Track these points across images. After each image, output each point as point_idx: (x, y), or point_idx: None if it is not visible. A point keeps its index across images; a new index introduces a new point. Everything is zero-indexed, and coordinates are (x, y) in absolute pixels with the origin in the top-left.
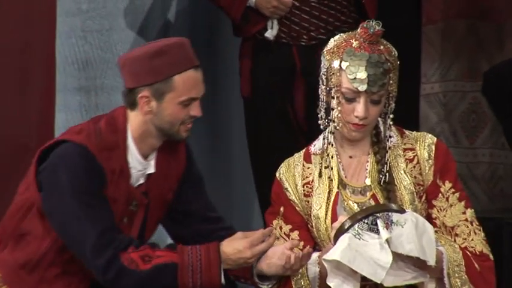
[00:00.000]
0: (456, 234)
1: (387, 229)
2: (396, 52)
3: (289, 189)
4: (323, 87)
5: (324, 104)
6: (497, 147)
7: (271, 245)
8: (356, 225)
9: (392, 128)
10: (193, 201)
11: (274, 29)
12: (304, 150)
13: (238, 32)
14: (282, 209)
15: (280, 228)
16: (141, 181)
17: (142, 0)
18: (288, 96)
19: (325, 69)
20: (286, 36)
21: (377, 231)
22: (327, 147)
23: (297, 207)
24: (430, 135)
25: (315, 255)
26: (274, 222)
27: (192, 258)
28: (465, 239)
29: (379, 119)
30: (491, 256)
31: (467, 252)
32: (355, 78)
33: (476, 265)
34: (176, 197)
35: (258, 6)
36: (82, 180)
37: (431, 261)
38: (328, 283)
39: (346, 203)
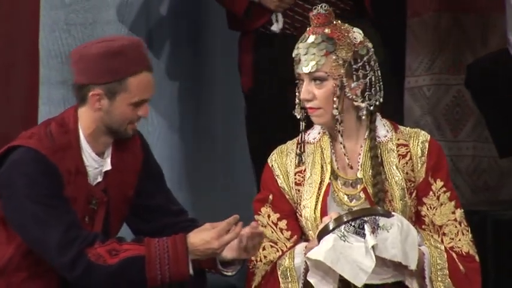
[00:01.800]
0: (444, 234)
1: (373, 234)
2: (357, 39)
3: (281, 176)
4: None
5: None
6: (481, 140)
7: (238, 234)
8: (342, 227)
9: (387, 122)
10: (155, 195)
11: (279, 21)
12: (297, 138)
13: (237, 26)
14: (271, 196)
15: (268, 216)
16: (99, 179)
17: None
18: (292, 87)
19: None
20: (290, 27)
21: (363, 235)
22: (302, 138)
23: (286, 195)
24: (423, 132)
25: (301, 246)
26: (263, 209)
27: (159, 250)
28: (452, 238)
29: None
30: (477, 258)
31: (453, 253)
32: (295, 61)
33: (462, 267)
34: (137, 192)
35: (262, 1)
36: (38, 183)
37: (413, 266)
38: (309, 279)
39: (336, 194)
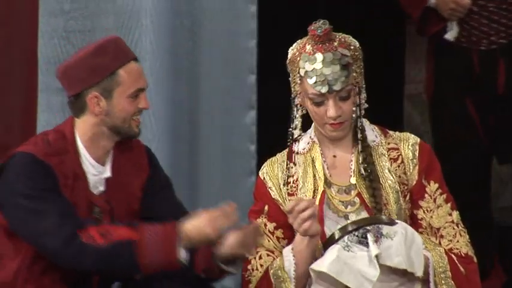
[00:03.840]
0: (442, 236)
1: (377, 242)
2: (356, 43)
3: (273, 188)
4: (292, 97)
5: (293, 113)
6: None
7: (232, 221)
8: (346, 237)
9: (376, 127)
10: (162, 208)
11: (454, 30)
12: (287, 149)
13: (420, 31)
14: (266, 207)
15: (265, 225)
16: (101, 188)
17: (125, 1)
18: (467, 99)
19: (290, 79)
20: (466, 41)
21: (366, 244)
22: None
23: (281, 206)
24: (413, 135)
25: (287, 248)
26: (259, 220)
27: (150, 235)
28: (450, 240)
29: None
30: (475, 258)
31: (452, 255)
32: (315, 82)
33: (462, 268)
34: (144, 206)
35: (437, 7)
36: (31, 179)
37: (419, 273)
38: None
39: (331, 202)
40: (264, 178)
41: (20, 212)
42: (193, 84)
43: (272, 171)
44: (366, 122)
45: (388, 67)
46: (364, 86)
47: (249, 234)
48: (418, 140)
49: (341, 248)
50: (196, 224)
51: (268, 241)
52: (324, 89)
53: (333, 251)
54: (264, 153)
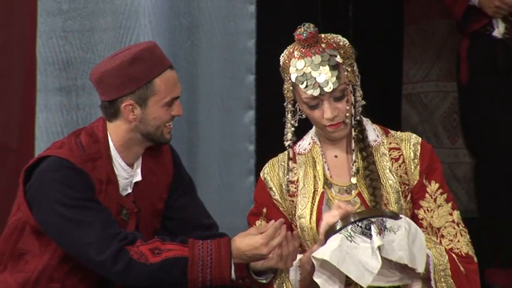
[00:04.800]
0: (442, 236)
1: (380, 235)
2: (345, 41)
3: (274, 188)
4: (285, 104)
5: (286, 120)
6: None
7: (284, 237)
8: (349, 227)
9: (377, 127)
10: (186, 208)
11: (500, 27)
12: (287, 150)
13: (461, 29)
14: (264, 210)
15: None
16: (129, 190)
17: (123, 1)
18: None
19: (283, 86)
20: (510, 33)
21: (369, 236)
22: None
23: (280, 207)
24: (414, 135)
25: (297, 258)
26: (257, 222)
27: (202, 252)
28: (451, 240)
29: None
30: (475, 258)
31: (453, 255)
32: (306, 86)
33: (462, 268)
34: (168, 206)
35: (481, 6)
36: (70, 187)
37: (420, 269)
38: (315, 279)
39: (331, 202)
40: (265, 179)
41: (58, 220)
42: (192, 84)
43: (273, 171)
44: (367, 122)
45: (387, 67)
46: (358, 83)
47: (286, 246)
48: (420, 139)
49: (344, 237)
50: (251, 243)
51: None
52: (316, 92)
53: (336, 240)
54: (263, 153)
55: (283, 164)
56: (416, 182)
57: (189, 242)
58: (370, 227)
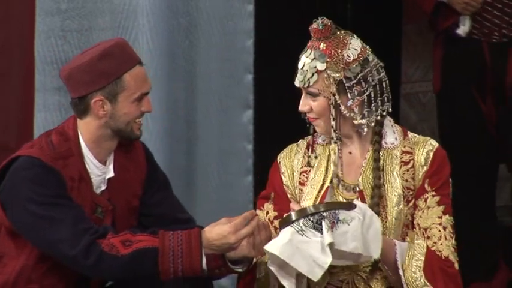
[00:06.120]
0: (428, 237)
1: (332, 229)
2: (349, 56)
3: (286, 174)
4: None
5: None
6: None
7: (254, 227)
8: (301, 221)
9: (398, 129)
10: (162, 204)
11: (466, 25)
12: (309, 137)
13: (432, 25)
14: (272, 194)
15: (267, 213)
16: (103, 187)
17: (122, 0)
18: (479, 92)
19: None
20: (478, 33)
21: (320, 230)
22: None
23: (289, 194)
24: (432, 141)
25: None
26: (266, 205)
27: (173, 243)
28: (435, 242)
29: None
30: (456, 265)
31: (434, 254)
32: (296, 73)
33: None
34: (143, 202)
35: (450, 2)
36: (41, 185)
37: (375, 256)
38: (269, 267)
39: (336, 198)
40: (279, 162)
41: (30, 218)
42: (190, 84)
43: (289, 157)
44: (389, 123)
45: (385, 66)
46: (349, 102)
47: (258, 235)
48: (436, 146)
49: (294, 231)
50: (219, 232)
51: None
52: (297, 81)
53: (286, 234)
54: (261, 152)
55: (299, 151)
56: (419, 186)
57: (159, 233)
58: (321, 222)
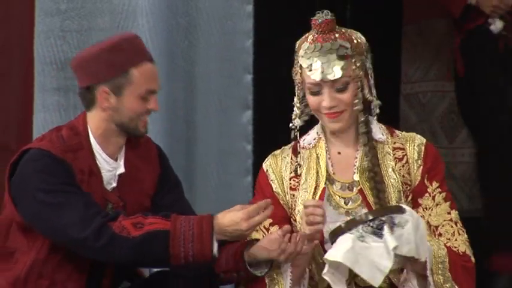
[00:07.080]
0: (440, 234)
1: (392, 234)
2: (361, 38)
3: (275, 181)
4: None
5: (296, 103)
6: (476, 147)
7: (267, 217)
8: (360, 227)
9: (382, 126)
10: (172, 206)
11: (498, 23)
12: (292, 143)
13: (458, 27)
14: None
15: None
16: (114, 184)
17: (121, 0)
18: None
19: (292, 69)
20: (506, 30)
21: (380, 235)
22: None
23: (281, 201)
24: (419, 136)
25: None
26: None
27: (184, 227)
28: (449, 238)
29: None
30: (473, 258)
31: (452, 251)
32: (310, 70)
33: (460, 263)
34: (154, 203)
35: (479, 4)
36: (51, 175)
37: (423, 257)
38: (324, 277)
39: (332, 198)
40: (267, 170)
41: (40, 207)
42: (190, 84)
43: (276, 163)
44: (373, 120)
45: (385, 67)
46: (371, 82)
47: (294, 245)
48: (424, 141)
49: (355, 238)
50: (232, 219)
51: (263, 237)
52: (317, 77)
53: (347, 241)
54: (260, 152)
55: (286, 157)
56: (417, 182)
57: (171, 217)
58: (382, 227)
